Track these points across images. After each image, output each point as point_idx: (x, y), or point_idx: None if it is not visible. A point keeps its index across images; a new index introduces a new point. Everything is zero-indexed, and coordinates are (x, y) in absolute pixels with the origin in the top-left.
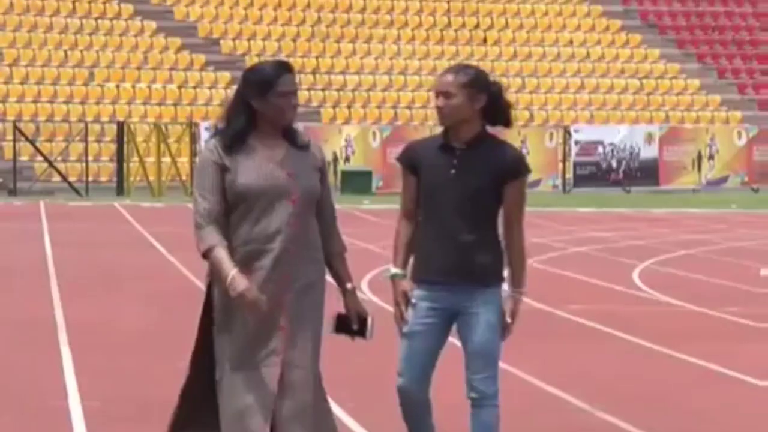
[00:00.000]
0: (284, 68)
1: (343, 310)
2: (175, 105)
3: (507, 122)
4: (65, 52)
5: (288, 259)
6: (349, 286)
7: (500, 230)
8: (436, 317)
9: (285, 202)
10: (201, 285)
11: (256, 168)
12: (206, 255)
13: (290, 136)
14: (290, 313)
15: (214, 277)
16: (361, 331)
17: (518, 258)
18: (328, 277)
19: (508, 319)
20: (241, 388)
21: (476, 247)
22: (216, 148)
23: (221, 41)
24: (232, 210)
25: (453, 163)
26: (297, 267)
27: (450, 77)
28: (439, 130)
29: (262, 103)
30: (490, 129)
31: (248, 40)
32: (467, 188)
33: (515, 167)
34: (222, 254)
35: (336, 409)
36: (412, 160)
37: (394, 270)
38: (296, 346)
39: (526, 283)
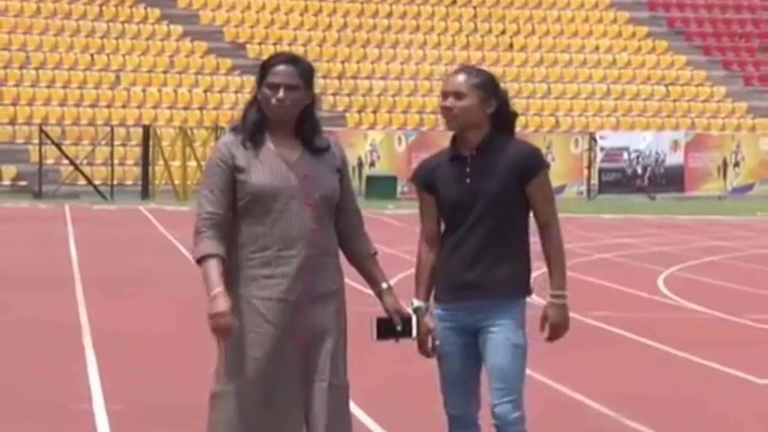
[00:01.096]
0: (282, 59)
1: (377, 316)
2: (200, 109)
3: (511, 129)
4: (92, 55)
5: (310, 267)
6: (384, 285)
7: (531, 236)
8: (458, 336)
9: (302, 205)
10: None
11: (270, 168)
12: (199, 263)
13: (303, 138)
14: (309, 324)
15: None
16: (406, 331)
17: (556, 258)
18: (351, 282)
19: (543, 332)
20: (259, 404)
21: (494, 259)
22: (227, 145)
23: (247, 45)
24: (246, 213)
25: (466, 172)
26: (319, 275)
27: (462, 77)
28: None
29: (260, 93)
30: None
31: (274, 44)
32: (484, 195)
33: (532, 162)
34: (213, 267)
35: (361, 415)
36: (426, 179)
37: (416, 302)
38: (314, 359)
39: (566, 287)
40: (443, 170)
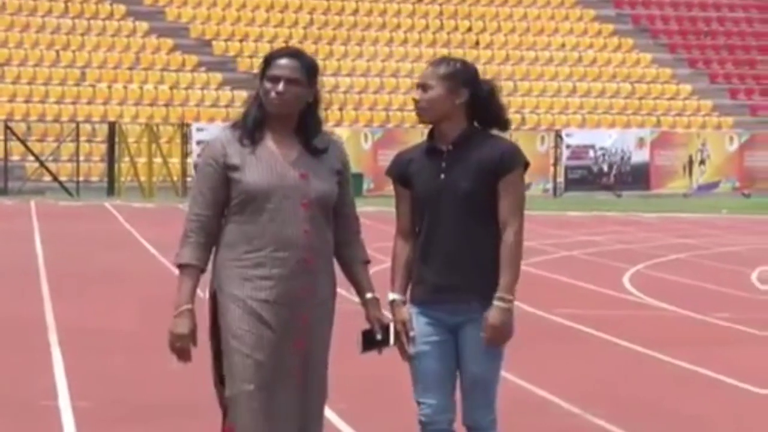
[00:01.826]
0: (286, 52)
1: (363, 329)
2: (166, 106)
3: (500, 124)
4: (57, 52)
5: (307, 270)
6: (369, 296)
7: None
8: (440, 334)
9: (297, 206)
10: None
11: (266, 166)
12: (179, 268)
13: (303, 136)
14: (308, 329)
15: (218, 286)
16: (386, 339)
17: (505, 259)
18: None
19: (482, 333)
20: (261, 411)
21: (469, 260)
22: (221, 141)
23: (213, 42)
24: (240, 212)
25: (441, 167)
26: (316, 279)
27: (430, 68)
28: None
29: (261, 87)
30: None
31: (240, 41)
32: (458, 192)
33: (508, 160)
34: (187, 280)
35: (328, 412)
36: (401, 171)
37: (392, 295)
38: (313, 370)
39: (513, 292)
40: (418, 163)
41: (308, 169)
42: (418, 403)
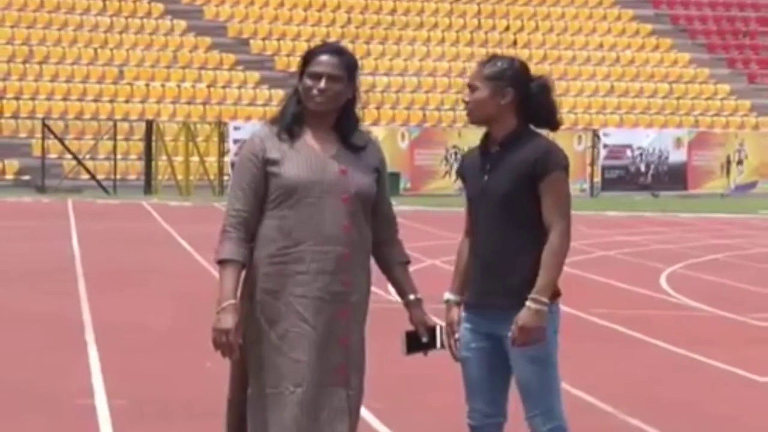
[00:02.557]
0: (327, 49)
1: (407, 329)
2: (203, 104)
3: (550, 124)
4: (95, 50)
5: (347, 266)
6: (412, 297)
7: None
8: (480, 341)
9: (337, 201)
10: None
11: (305, 160)
12: (219, 264)
13: (341, 133)
14: (350, 327)
15: (256, 283)
16: (432, 342)
17: (545, 262)
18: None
19: (509, 333)
20: (308, 406)
21: (508, 264)
22: (260, 137)
23: (251, 41)
24: (278, 207)
25: (486, 169)
26: (355, 275)
27: (477, 68)
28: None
29: (301, 83)
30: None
31: (278, 40)
32: (496, 195)
33: (544, 161)
34: (229, 275)
35: (363, 412)
36: (460, 170)
37: (447, 295)
38: (354, 363)
39: (547, 294)
40: (471, 163)
41: (348, 164)
42: (467, 408)
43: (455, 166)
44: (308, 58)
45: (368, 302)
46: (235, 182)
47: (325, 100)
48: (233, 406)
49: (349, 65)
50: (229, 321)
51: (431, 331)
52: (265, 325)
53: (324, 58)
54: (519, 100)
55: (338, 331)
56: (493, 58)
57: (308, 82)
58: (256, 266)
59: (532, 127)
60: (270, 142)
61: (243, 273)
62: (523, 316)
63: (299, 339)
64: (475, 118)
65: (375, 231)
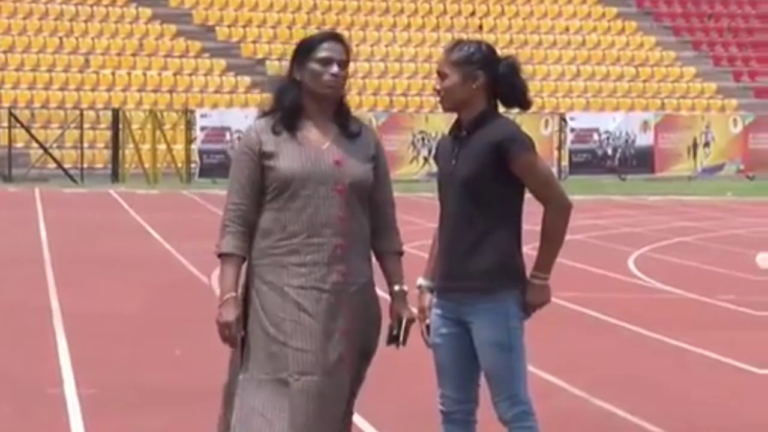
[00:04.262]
0: (331, 36)
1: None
2: (170, 92)
3: (520, 103)
4: (61, 38)
5: (343, 257)
6: (397, 288)
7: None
8: (450, 327)
9: (331, 192)
10: (196, 272)
11: (300, 152)
12: (220, 258)
13: (340, 120)
14: (352, 315)
15: (255, 275)
16: (398, 336)
17: (543, 238)
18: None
19: (521, 312)
20: (313, 394)
21: (473, 250)
22: (255, 131)
23: (217, 28)
24: (274, 199)
25: (455, 153)
26: (353, 265)
27: (444, 55)
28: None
29: (302, 72)
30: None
31: (244, 27)
32: (460, 180)
33: (508, 146)
34: (229, 269)
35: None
36: (435, 155)
37: (419, 280)
38: (357, 352)
39: (548, 269)
40: (444, 148)
41: (343, 154)
42: (438, 394)
43: (422, 151)
44: (309, 45)
45: (374, 289)
46: (233, 176)
47: (339, 85)
48: (229, 390)
49: (348, 51)
50: (230, 314)
51: (400, 322)
52: (262, 314)
53: (331, 44)
54: (489, 83)
55: (339, 321)
56: (458, 43)
57: (317, 68)
58: (255, 258)
59: (501, 108)
60: (266, 135)
61: (244, 266)
62: (530, 294)
63: (299, 328)
64: (449, 105)
65: (373, 218)
